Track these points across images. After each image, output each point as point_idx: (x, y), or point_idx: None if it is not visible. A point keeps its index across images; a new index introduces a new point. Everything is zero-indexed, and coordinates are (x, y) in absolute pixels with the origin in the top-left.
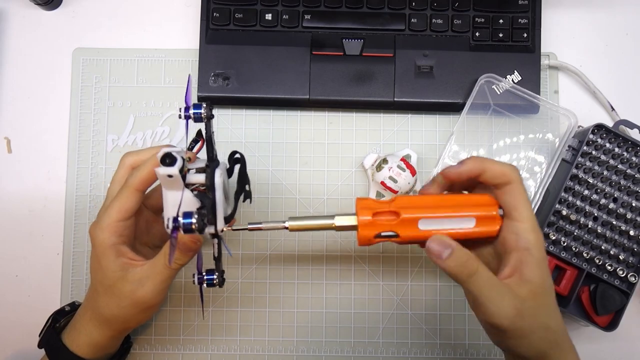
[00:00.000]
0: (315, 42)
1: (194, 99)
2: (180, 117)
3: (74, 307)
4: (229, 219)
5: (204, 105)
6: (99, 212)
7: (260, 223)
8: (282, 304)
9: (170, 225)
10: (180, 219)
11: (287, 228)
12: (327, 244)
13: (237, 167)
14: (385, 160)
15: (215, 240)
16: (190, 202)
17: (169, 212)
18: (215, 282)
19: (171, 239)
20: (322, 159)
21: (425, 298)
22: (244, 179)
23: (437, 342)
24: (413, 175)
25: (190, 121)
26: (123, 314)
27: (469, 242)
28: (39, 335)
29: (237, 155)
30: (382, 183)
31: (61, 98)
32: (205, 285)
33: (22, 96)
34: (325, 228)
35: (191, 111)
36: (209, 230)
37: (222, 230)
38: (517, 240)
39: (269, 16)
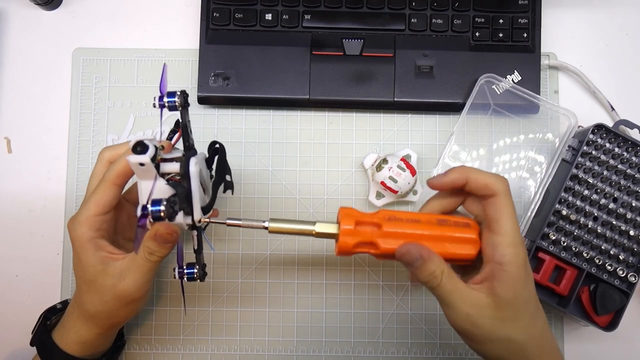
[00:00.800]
0: (315, 42)
1: (193, 100)
2: (154, 105)
3: (65, 304)
4: (207, 210)
5: (178, 93)
6: (80, 205)
7: (239, 219)
8: (282, 304)
9: (139, 212)
10: (148, 206)
11: (266, 228)
12: (327, 244)
13: (217, 157)
14: (385, 160)
15: (195, 232)
16: (163, 191)
17: (142, 201)
18: (195, 275)
19: (137, 227)
20: (322, 159)
21: (425, 298)
22: (223, 168)
23: (437, 342)
24: (413, 175)
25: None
26: (107, 309)
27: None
28: (32, 333)
29: (217, 145)
30: (382, 183)
31: (61, 98)
32: (185, 279)
33: (22, 96)
34: (305, 233)
35: (165, 99)
36: (186, 221)
37: (200, 221)
38: (492, 254)
39: (269, 16)
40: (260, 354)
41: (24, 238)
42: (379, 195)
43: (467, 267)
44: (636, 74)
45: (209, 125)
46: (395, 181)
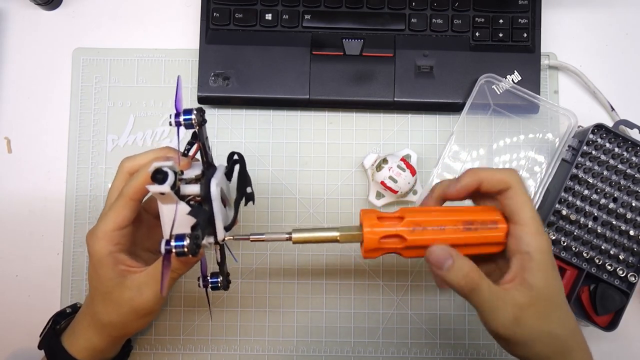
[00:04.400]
0: (315, 42)
1: (193, 100)
2: (170, 124)
3: (75, 309)
4: (230, 227)
5: (195, 110)
6: (98, 218)
7: (262, 234)
8: (282, 304)
9: (163, 249)
10: (172, 242)
11: (290, 240)
12: (327, 244)
13: (237, 167)
14: (385, 160)
15: (217, 247)
16: (185, 218)
17: (165, 230)
18: (219, 285)
19: (163, 262)
20: (322, 159)
21: (425, 298)
22: (244, 181)
23: (437, 342)
24: (413, 175)
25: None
26: (122, 320)
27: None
28: (40, 336)
29: (236, 157)
30: (382, 183)
31: (61, 98)
32: (210, 288)
33: (22, 96)
34: (329, 241)
35: (181, 117)
36: (209, 240)
37: (223, 240)
38: (518, 244)
39: (269, 16)
40: (260, 354)
41: (24, 238)
42: (379, 195)
43: (492, 273)
44: (636, 74)
45: (209, 125)
46: (395, 181)
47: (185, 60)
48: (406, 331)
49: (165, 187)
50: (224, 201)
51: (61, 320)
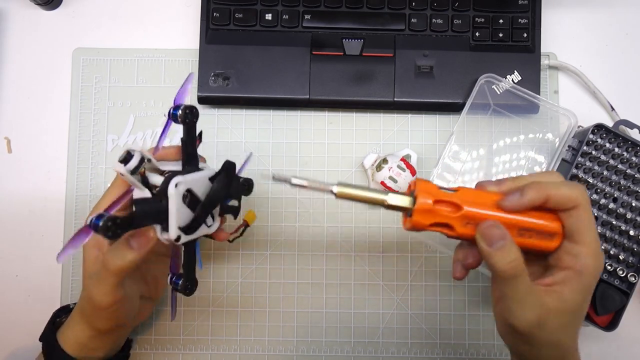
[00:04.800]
0: (315, 42)
1: (193, 100)
2: (164, 115)
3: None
4: (189, 231)
5: (183, 107)
6: None
7: (305, 180)
8: (282, 304)
9: (89, 219)
10: (92, 217)
11: (333, 193)
12: (327, 244)
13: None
14: (385, 160)
15: (181, 247)
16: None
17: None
18: (179, 287)
19: (81, 229)
20: (322, 159)
21: (425, 298)
22: (228, 192)
23: (437, 342)
24: (413, 175)
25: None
26: (87, 308)
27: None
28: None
29: (227, 164)
30: (382, 183)
31: (61, 98)
32: (172, 285)
33: (22, 96)
34: (375, 202)
35: (171, 110)
36: (165, 236)
37: (177, 240)
38: (574, 262)
39: (269, 16)
40: (260, 354)
41: (24, 238)
42: None
43: (531, 265)
44: (636, 74)
45: (209, 125)
46: (395, 181)
47: (185, 60)
48: (406, 331)
49: (122, 168)
50: (192, 202)
51: (62, 315)
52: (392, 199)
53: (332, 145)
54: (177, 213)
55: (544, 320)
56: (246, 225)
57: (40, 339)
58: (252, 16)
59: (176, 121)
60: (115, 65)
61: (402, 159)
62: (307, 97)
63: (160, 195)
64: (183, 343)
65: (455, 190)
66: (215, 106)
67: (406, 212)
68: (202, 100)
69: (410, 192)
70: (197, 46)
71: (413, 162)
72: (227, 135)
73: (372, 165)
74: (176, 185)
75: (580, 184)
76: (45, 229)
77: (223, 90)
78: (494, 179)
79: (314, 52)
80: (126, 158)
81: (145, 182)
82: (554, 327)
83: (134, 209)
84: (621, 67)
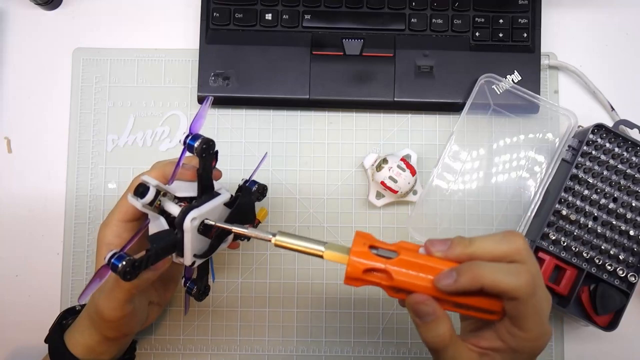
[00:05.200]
0: (315, 42)
1: (193, 100)
2: (180, 141)
3: (84, 307)
4: (205, 256)
5: (201, 139)
6: None
7: (246, 228)
8: (282, 304)
9: (106, 259)
10: (108, 255)
11: (271, 241)
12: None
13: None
14: (385, 160)
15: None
16: (158, 229)
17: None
18: (192, 292)
19: (98, 270)
20: (322, 159)
21: None
22: (241, 215)
23: None
24: (413, 175)
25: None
26: (96, 319)
27: None
28: (49, 330)
29: (239, 193)
30: (382, 183)
31: (61, 98)
32: (185, 291)
33: (22, 96)
34: (313, 254)
35: (188, 139)
36: (179, 259)
37: (192, 265)
38: (511, 340)
39: (269, 16)
40: (260, 354)
41: (24, 238)
42: (379, 195)
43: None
44: (636, 74)
45: (209, 125)
46: (395, 181)
47: (185, 60)
48: (406, 331)
49: (138, 203)
50: (206, 231)
51: (69, 317)
52: (328, 255)
53: (332, 145)
54: (192, 244)
55: None
56: (258, 222)
57: (46, 341)
58: (252, 16)
59: (192, 152)
60: (115, 65)
61: (402, 159)
62: (307, 97)
63: (177, 228)
64: (183, 343)
65: (395, 250)
66: (215, 106)
67: (345, 263)
68: (202, 100)
69: (348, 249)
70: (197, 46)
71: (413, 162)
72: (227, 135)
73: (372, 165)
74: (192, 220)
75: (523, 268)
76: (45, 229)
77: (223, 90)
78: (493, 179)
79: (314, 52)
80: (142, 192)
81: (161, 210)
82: None
83: (150, 246)
84: (621, 67)
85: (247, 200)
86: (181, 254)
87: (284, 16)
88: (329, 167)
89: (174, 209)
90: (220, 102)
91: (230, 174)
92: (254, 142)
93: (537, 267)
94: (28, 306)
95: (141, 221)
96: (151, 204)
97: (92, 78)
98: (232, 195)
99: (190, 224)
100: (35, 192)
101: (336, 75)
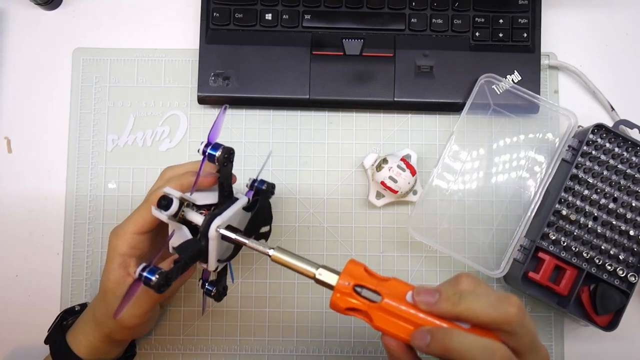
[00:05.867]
0: (315, 42)
1: (193, 99)
2: (198, 151)
3: (84, 307)
4: (229, 259)
5: (223, 147)
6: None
7: (247, 239)
8: (282, 304)
9: (137, 273)
10: (143, 273)
11: (269, 256)
12: (327, 244)
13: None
14: (385, 160)
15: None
16: (185, 236)
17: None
18: (212, 294)
19: (131, 285)
20: (322, 159)
21: None
22: (259, 221)
23: None
24: (413, 175)
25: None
26: (107, 323)
27: None
28: (48, 331)
29: (258, 197)
30: (382, 183)
31: (61, 98)
32: (204, 292)
33: (22, 96)
34: (305, 274)
35: (207, 149)
36: (202, 265)
37: (216, 270)
38: None
39: (269, 16)
40: (260, 354)
41: (24, 238)
42: (379, 195)
43: None
44: (636, 74)
45: (209, 125)
46: (395, 181)
47: (185, 60)
48: None
49: (164, 216)
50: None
51: (69, 317)
52: (318, 281)
53: (332, 145)
54: (217, 251)
55: None
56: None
57: (47, 342)
58: (252, 16)
59: (212, 162)
60: (115, 65)
61: (402, 159)
62: (307, 97)
63: (201, 237)
64: (183, 343)
65: (380, 293)
66: (215, 106)
67: (332, 289)
68: (202, 100)
69: (337, 279)
70: (197, 46)
71: (413, 162)
72: (227, 135)
73: (372, 165)
74: (217, 227)
75: (504, 351)
76: (45, 229)
77: (223, 90)
78: (493, 179)
79: (314, 52)
80: (166, 204)
81: (183, 220)
82: None
83: (178, 257)
84: (621, 67)
85: (265, 203)
86: (205, 260)
87: (284, 16)
88: (329, 167)
89: (198, 218)
90: (220, 102)
91: None
92: (254, 142)
93: (528, 338)
94: (28, 306)
95: (154, 232)
96: (175, 215)
97: (92, 78)
98: (249, 199)
99: (215, 232)
100: (35, 192)
101: (336, 75)
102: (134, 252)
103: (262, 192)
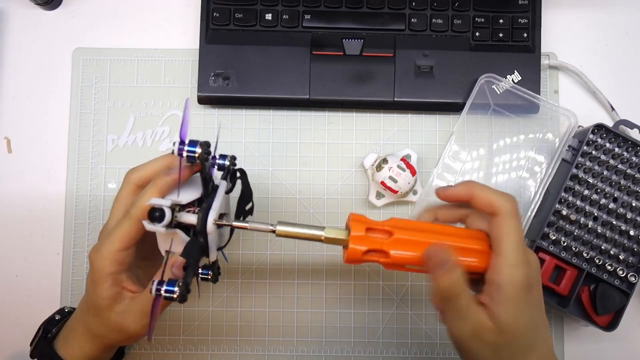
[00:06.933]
0: (315, 42)
1: (193, 100)
2: (173, 152)
3: (63, 314)
4: (224, 247)
5: (200, 143)
6: (100, 232)
7: (247, 222)
8: (282, 304)
9: (153, 291)
10: (163, 286)
11: (273, 232)
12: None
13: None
14: (385, 160)
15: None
16: (180, 245)
17: (162, 251)
18: (209, 277)
19: (153, 305)
20: (322, 159)
21: (425, 298)
22: (244, 199)
23: (437, 342)
24: (413, 175)
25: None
26: (109, 336)
27: None
28: (30, 345)
29: (238, 174)
30: (382, 183)
31: (61, 98)
32: (200, 278)
33: (22, 96)
34: (313, 239)
35: (184, 148)
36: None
37: (216, 258)
38: (491, 274)
39: (269, 16)
40: (260, 354)
41: (24, 238)
42: (379, 195)
43: (475, 284)
44: (636, 74)
45: (209, 125)
46: (395, 181)
47: (185, 60)
48: (406, 331)
49: (161, 228)
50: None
51: (52, 328)
52: (328, 233)
53: (332, 145)
54: (216, 242)
55: (479, 335)
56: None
57: (33, 356)
58: (252, 16)
59: (192, 160)
60: (115, 65)
61: (402, 159)
62: (307, 97)
63: (199, 234)
64: (183, 343)
65: (389, 230)
66: (215, 106)
67: (343, 245)
68: (202, 100)
69: (346, 227)
70: (197, 46)
71: (413, 162)
72: (227, 135)
73: (372, 165)
74: (213, 222)
75: (510, 196)
76: (45, 229)
77: (223, 90)
78: (492, 180)
79: (314, 52)
80: (159, 216)
81: (177, 224)
82: (491, 348)
83: (187, 262)
84: (621, 67)
85: (245, 180)
86: (207, 255)
87: (284, 16)
88: (329, 167)
89: (191, 219)
90: (220, 102)
91: None
92: (254, 142)
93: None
94: (28, 306)
95: (139, 242)
96: (170, 223)
97: (92, 78)
98: (228, 184)
99: (212, 227)
100: (35, 192)
101: (336, 75)
102: (122, 268)
103: (240, 171)
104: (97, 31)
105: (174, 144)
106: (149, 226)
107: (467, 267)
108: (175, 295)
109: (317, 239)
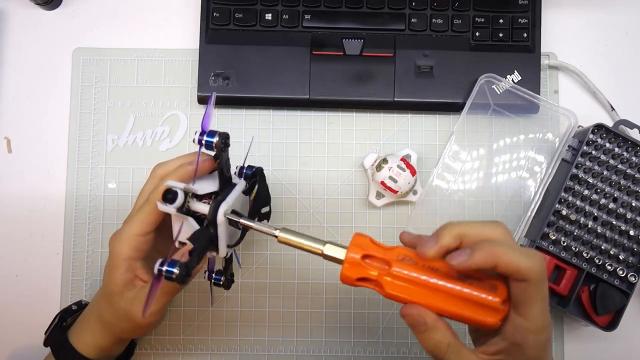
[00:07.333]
0: (315, 42)
1: (193, 99)
2: (194, 141)
3: (80, 305)
4: (236, 244)
5: (218, 134)
6: (124, 221)
7: (253, 222)
8: (282, 303)
9: (156, 269)
10: (163, 267)
11: (276, 236)
12: None
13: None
14: (385, 160)
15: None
16: (192, 229)
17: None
18: (221, 283)
19: (153, 282)
20: (322, 159)
21: None
22: (261, 201)
23: None
24: (413, 175)
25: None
26: (118, 324)
27: None
28: (45, 333)
29: (256, 177)
30: (382, 183)
31: (61, 98)
32: (212, 283)
33: (22, 96)
34: (313, 252)
35: (204, 138)
36: (212, 253)
37: (226, 256)
38: (513, 334)
39: (269, 16)
40: (260, 354)
41: (24, 238)
42: (379, 195)
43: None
44: (636, 74)
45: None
46: (395, 181)
47: (185, 60)
48: (406, 331)
49: (172, 209)
50: (234, 222)
51: (67, 317)
52: (328, 249)
53: (332, 145)
54: (226, 236)
55: None
56: None
57: (48, 344)
58: (252, 16)
59: (210, 149)
60: (115, 65)
61: (402, 159)
62: (307, 97)
63: (209, 224)
64: (183, 343)
65: (388, 261)
66: (215, 106)
67: (341, 264)
68: (202, 100)
69: (346, 250)
70: (197, 46)
71: (413, 162)
72: None
73: (372, 165)
74: (224, 213)
75: (538, 255)
76: (45, 229)
77: (223, 90)
78: (493, 179)
79: (314, 52)
80: (171, 197)
81: (188, 211)
82: None
83: (192, 247)
84: (621, 67)
85: (263, 184)
86: (216, 248)
87: (284, 16)
88: (329, 167)
89: (203, 208)
90: (220, 102)
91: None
92: (254, 142)
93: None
94: (28, 306)
95: (156, 231)
96: (182, 207)
97: (92, 78)
98: (247, 183)
99: (222, 217)
100: (35, 192)
101: (336, 75)
102: (139, 255)
103: (259, 174)
104: (97, 31)
105: (195, 133)
106: (160, 206)
107: (470, 320)
108: (174, 276)
109: (317, 253)
